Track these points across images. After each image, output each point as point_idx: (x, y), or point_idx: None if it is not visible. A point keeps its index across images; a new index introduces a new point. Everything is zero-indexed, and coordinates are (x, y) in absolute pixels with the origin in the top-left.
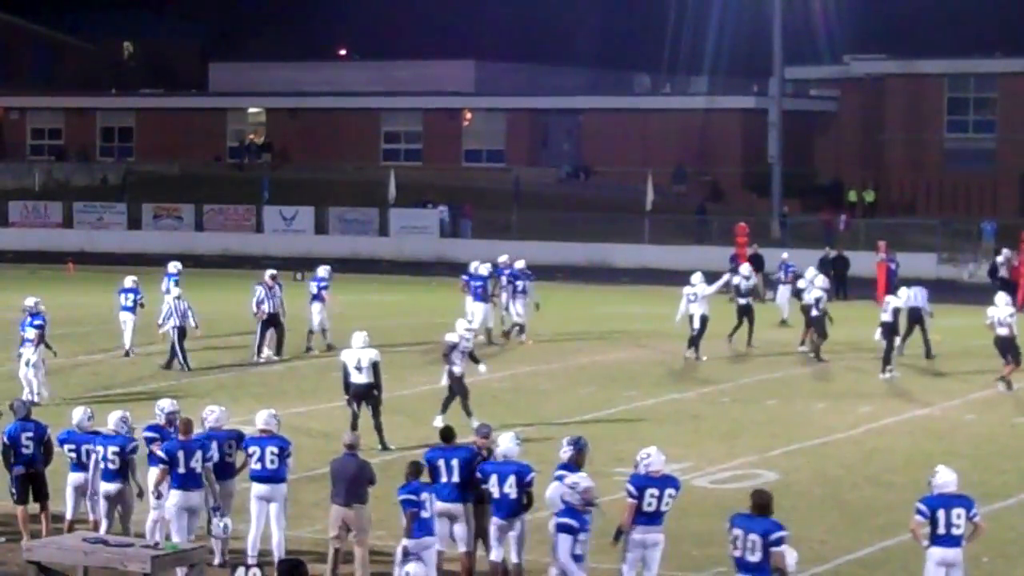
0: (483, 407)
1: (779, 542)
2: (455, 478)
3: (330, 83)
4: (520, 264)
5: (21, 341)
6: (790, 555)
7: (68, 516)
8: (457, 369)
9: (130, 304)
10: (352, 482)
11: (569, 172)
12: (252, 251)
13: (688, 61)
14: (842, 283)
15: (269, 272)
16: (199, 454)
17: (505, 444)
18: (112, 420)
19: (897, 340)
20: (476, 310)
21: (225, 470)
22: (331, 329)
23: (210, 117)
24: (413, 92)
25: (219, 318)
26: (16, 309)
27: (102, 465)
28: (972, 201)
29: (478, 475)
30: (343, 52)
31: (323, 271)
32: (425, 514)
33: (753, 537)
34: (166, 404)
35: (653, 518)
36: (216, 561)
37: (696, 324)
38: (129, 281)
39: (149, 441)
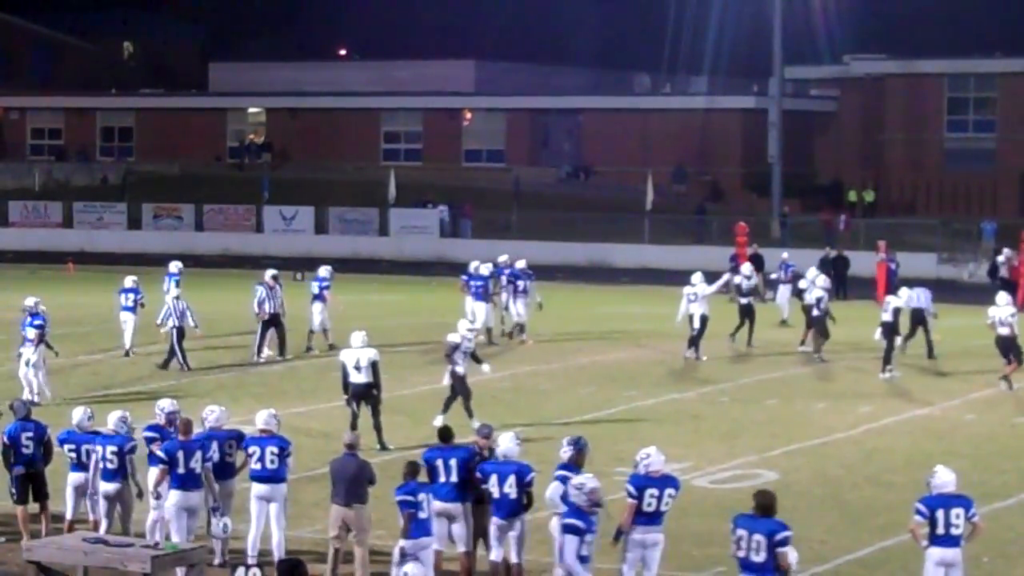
0: (483, 407)
1: (784, 542)
2: (453, 478)
3: (330, 83)
4: (521, 264)
5: (23, 341)
6: (792, 554)
7: (68, 516)
8: (460, 369)
9: (130, 304)
10: (352, 482)
11: (569, 172)
12: (252, 251)
13: (688, 61)
14: (842, 283)
15: (270, 272)
16: (199, 454)
17: (505, 444)
18: (112, 420)
19: (898, 340)
20: (478, 310)
21: (225, 470)
22: (332, 329)
23: (210, 117)
24: (413, 92)
25: (219, 318)
26: (16, 309)
27: (101, 465)
28: (972, 201)
29: (478, 475)
30: (343, 52)
31: (324, 271)
32: (422, 514)
33: (758, 537)
34: (166, 404)
35: (653, 518)
36: (216, 561)
37: (696, 324)
38: (129, 281)
39: (149, 441)
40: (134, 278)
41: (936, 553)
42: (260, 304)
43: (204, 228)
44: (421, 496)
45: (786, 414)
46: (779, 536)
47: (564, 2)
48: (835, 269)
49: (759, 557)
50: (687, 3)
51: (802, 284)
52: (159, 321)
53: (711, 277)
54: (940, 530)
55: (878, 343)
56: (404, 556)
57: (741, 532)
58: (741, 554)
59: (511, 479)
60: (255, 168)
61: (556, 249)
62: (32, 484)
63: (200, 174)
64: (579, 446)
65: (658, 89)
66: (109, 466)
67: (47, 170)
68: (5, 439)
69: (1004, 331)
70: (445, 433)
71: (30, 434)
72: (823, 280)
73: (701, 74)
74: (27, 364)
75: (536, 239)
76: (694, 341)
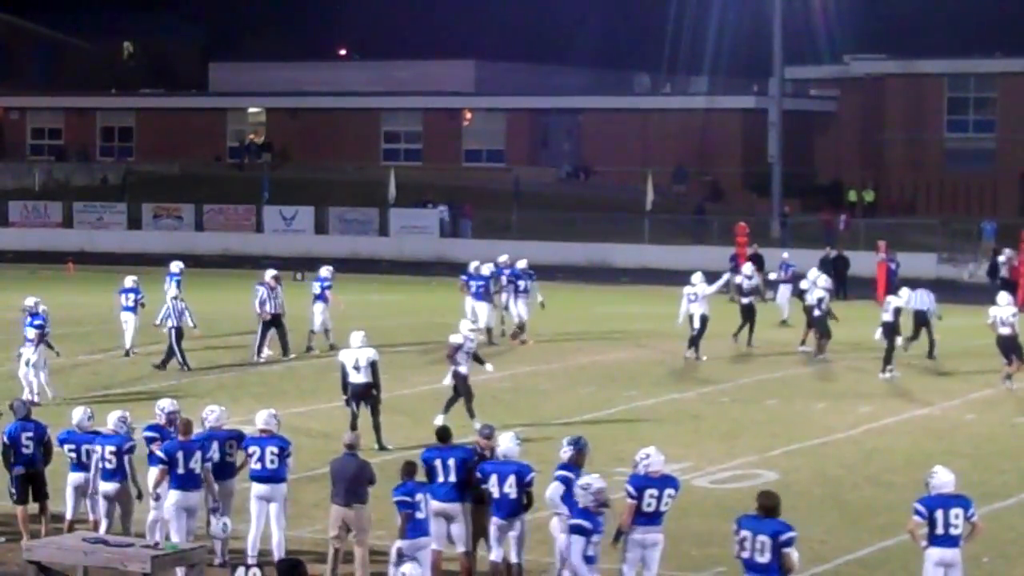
0: (483, 407)
1: (789, 543)
2: (452, 478)
3: (330, 83)
4: (522, 264)
5: (23, 341)
6: (794, 554)
7: (68, 516)
8: (463, 370)
9: (131, 304)
10: (352, 482)
11: (569, 172)
12: (252, 251)
13: (688, 61)
14: (842, 283)
15: (271, 272)
16: (199, 455)
17: (505, 444)
18: (111, 420)
19: (899, 340)
20: (479, 309)
21: (225, 470)
22: (333, 329)
23: (210, 117)
24: (413, 92)
25: (219, 318)
26: (16, 309)
27: (100, 465)
28: (972, 201)
29: (478, 475)
30: (343, 52)
31: (326, 271)
32: (420, 514)
33: (762, 538)
34: (166, 404)
35: (652, 518)
36: (216, 561)
37: (696, 324)
38: (129, 281)
39: (149, 441)
40: (134, 278)
41: (935, 553)
42: (261, 304)
43: (204, 228)
44: (418, 496)
45: (786, 414)
46: (784, 537)
47: (564, 2)
48: (835, 269)
49: (764, 558)
50: (687, 3)
51: (803, 285)
52: (157, 321)
53: (711, 277)
54: (939, 530)
55: (878, 343)
56: (402, 557)
57: (745, 533)
58: (745, 555)
59: (511, 479)
60: (255, 168)
61: (556, 249)
62: (32, 484)
63: (200, 174)
64: (579, 446)
65: (658, 89)
66: (108, 466)
67: (47, 170)
68: (5, 439)
69: (1005, 331)
70: (443, 433)
71: (30, 434)
72: (825, 280)
73: (701, 74)
74: (27, 364)
75: (536, 239)
76: (694, 341)
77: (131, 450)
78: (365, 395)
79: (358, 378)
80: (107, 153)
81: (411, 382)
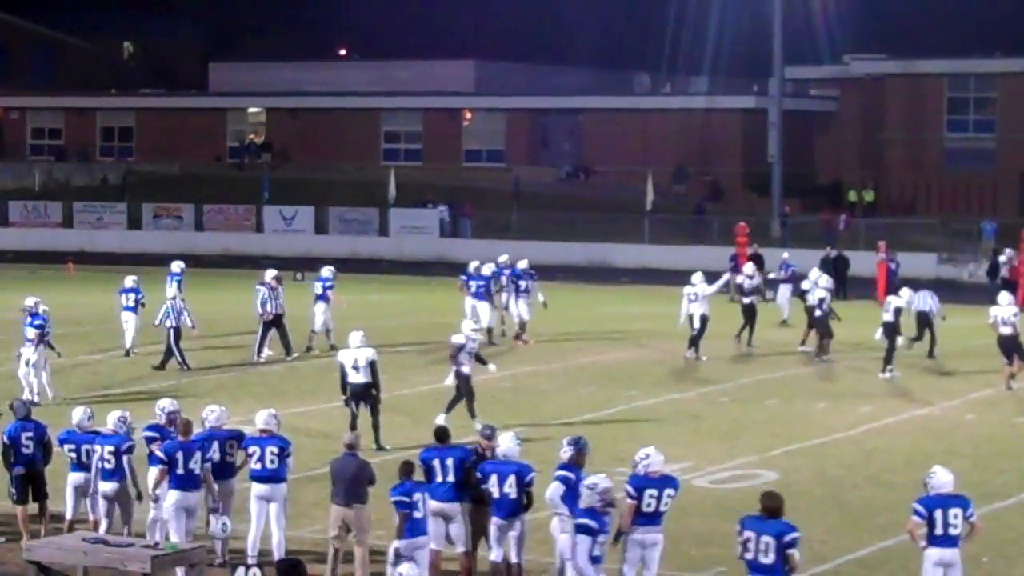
0: (483, 407)
1: (793, 543)
2: (450, 478)
3: (330, 83)
4: (523, 264)
5: (23, 341)
6: (796, 554)
7: (68, 516)
8: (465, 370)
9: (131, 304)
10: (352, 482)
11: (569, 172)
12: (252, 251)
13: (688, 61)
14: (842, 283)
15: (271, 273)
16: (198, 455)
17: (505, 444)
18: (111, 420)
19: (900, 340)
20: (480, 309)
21: (225, 470)
22: (334, 330)
23: (210, 117)
24: (413, 92)
25: (219, 318)
26: (16, 309)
27: (100, 465)
28: (972, 201)
29: (478, 475)
30: (343, 52)
31: (327, 271)
32: (417, 514)
33: (766, 539)
34: (166, 404)
35: (652, 518)
36: (216, 561)
37: (696, 324)
38: (129, 281)
39: (149, 441)
40: (134, 278)
41: (934, 553)
42: (263, 305)
43: (204, 228)
44: (416, 496)
45: (786, 414)
46: (788, 537)
47: (564, 2)
48: (835, 269)
49: (768, 559)
50: (687, 3)
51: (805, 285)
52: (157, 322)
53: (711, 277)
54: (938, 530)
55: (879, 343)
56: (399, 557)
57: (749, 534)
58: (749, 556)
59: (511, 479)
60: (255, 168)
61: (556, 249)
62: (32, 484)
63: (200, 174)
64: (579, 446)
65: (658, 89)
66: (107, 466)
67: (47, 170)
68: (5, 439)
69: (1007, 331)
70: (441, 433)
71: (30, 434)
72: (826, 281)
73: (701, 74)
74: (27, 364)
75: (536, 239)
76: (694, 341)
77: (130, 450)
78: (364, 395)
79: (357, 378)
80: (107, 153)
81: (411, 382)
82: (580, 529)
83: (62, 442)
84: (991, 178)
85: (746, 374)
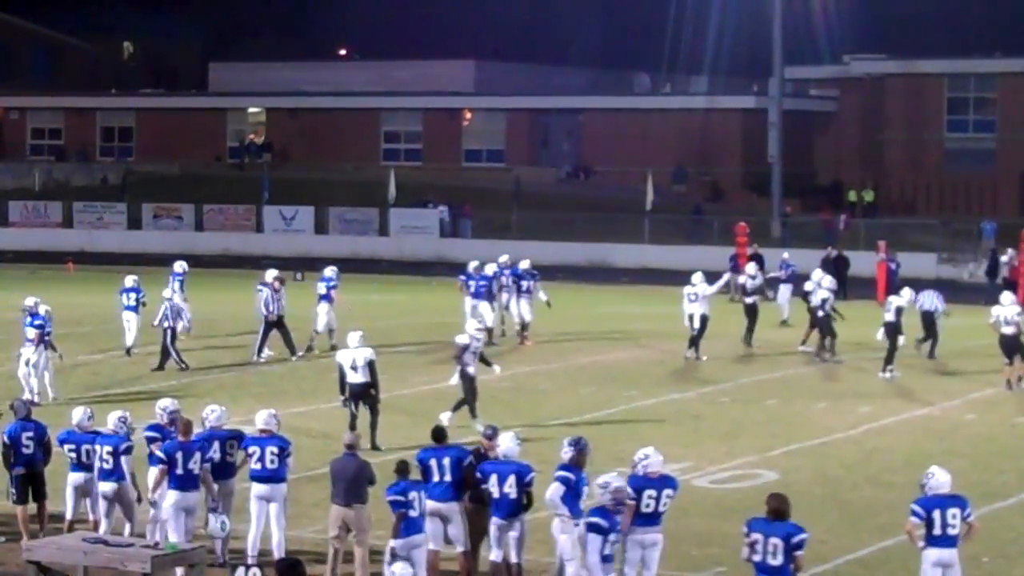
0: (483, 407)
1: (801, 545)
2: (447, 477)
3: (330, 83)
4: (525, 264)
5: (24, 341)
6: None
7: (68, 516)
8: (471, 370)
9: (132, 303)
10: (352, 482)
11: (569, 172)
12: (252, 251)
13: (688, 61)
14: (842, 283)
15: (273, 273)
16: (198, 455)
17: (505, 444)
18: (111, 420)
19: (901, 340)
20: (483, 309)
21: (225, 469)
22: (338, 330)
23: (210, 117)
24: (413, 92)
25: (219, 318)
26: (16, 309)
27: (99, 465)
28: (972, 201)
29: (478, 475)
30: (343, 52)
31: (330, 271)
32: (413, 513)
33: (775, 541)
34: (167, 403)
35: (651, 519)
36: (217, 561)
37: (696, 324)
38: (130, 280)
39: (150, 441)
40: (135, 278)
41: (933, 554)
42: (266, 306)
43: (204, 228)
44: (412, 495)
45: (786, 414)
46: (796, 539)
47: (564, 2)
48: (836, 269)
49: (776, 560)
50: (687, 3)
51: (808, 286)
52: (156, 322)
53: (711, 277)
54: (937, 531)
55: (880, 343)
56: (395, 556)
57: (756, 536)
58: (757, 558)
59: (511, 479)
60: (255, 168)
61: (556, 249)
62: (32, 484)
63: (200, 174)
64: (579, 446)
65: (658, 89)
66: (105, 466)
67: (47, 170)
68: (5, 439)
69: (1009, 330)
70: (439, 433)
71: (30, 434)
72: (829, 281)
73: (701, 74)
74: (27, 364)
75: (536, 239)
76: (694, 341)
77: (128, 451)
78: (364, 395)
79: (356, 378)
80: (107, 153)
81: (411, 382)
82: (591, 528)
83: (62, 442)
84: (991, 178)
85: (746, 374)
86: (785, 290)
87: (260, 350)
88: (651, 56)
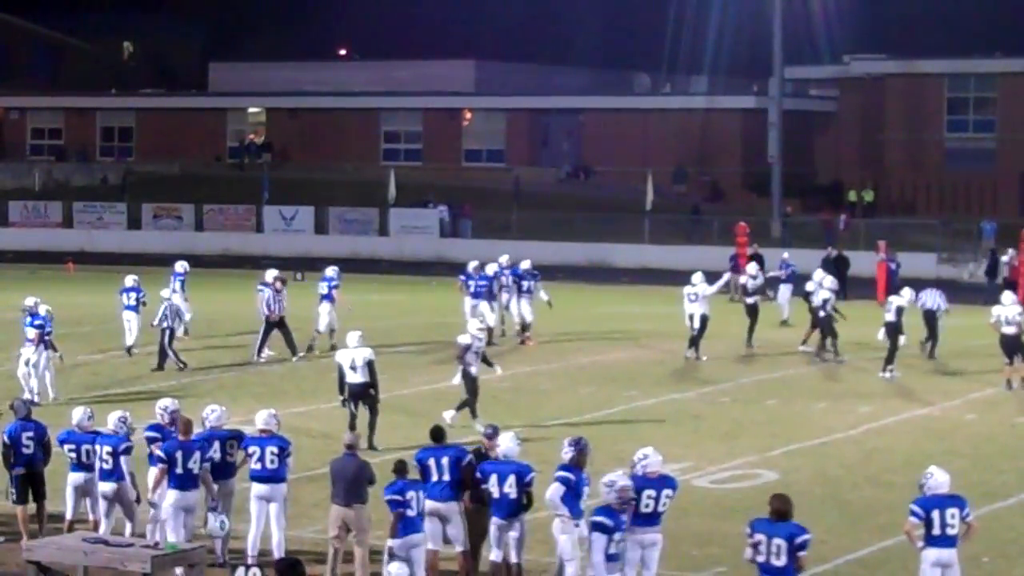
0: (483, 407)
1: (804, 545)
2: (446, 477)
3: (330, 83)
4: (526, 264)
5: (24, 341)
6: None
7: (68, 516)
8: (474, 370)
9: (133, 303)
10: (352, 482)
11: (569, 172)
12: (252, 251)
13: (688, 61)
14: (842, 283)
15: (274, 273)
16: (197, 455)
17: (505, 444)
18: (112, 420)
19: (902, 339)
20: (484, 309)
21: (225, 469)
22: (339, 330)
23: (210, 117)
24: (413, 92)
25: (219, 318)
26: (16, 309)
27: (99, 465)
28: (972, 201)
29: (478, 475)
30: (343, 52)
31: (332, 271)
32: (411, 513)
33: (778, 541)
34: (168, 403)
35: (651, 519)
36: (217, 560)
37: (696, 324)
38: (130, 280)
39: (150, 441)
40: (135, 277)
41: (932, 554)
42: (268, 306)
43: (204, 228)
44: (410, 494)
45: (786, 414)
46: (800, 539)
47: (564, 2)
48: (836, 269)
49: (780, 561)
50: (687, 3)
51: (809, 286)
52: (155, 322)
53: (711, 277)
54: (936, 531)
55: (881, 343)
56: (392, 556)
57: (760, 537)
58: (761, 559)
59: (511, 479)
60: (255, 168)
61: (556, 249)
62: (31, 484)
63: (200, 174)
64: (580, 447)
65: (658, 89)
66: (105, 466)
67: (47, 170)
68: (6, 439)
69: (1010, 330)
70: (437, 433)
71: (30, 434)
72: (830, 281)
73: (701, 74)
74: (27, 364)
75: (536, 239)
76: (694, 341)
77: (128, 451)
78: (363, 395)
79: (355, 378)
80: (107, 153)
81: (411, 382)
82: (595, 527)
83: (62, 442)
84: (991, 178)
85: (746, 374)
86: (785, 290)
87: (260, 350)
88: (651, 56)
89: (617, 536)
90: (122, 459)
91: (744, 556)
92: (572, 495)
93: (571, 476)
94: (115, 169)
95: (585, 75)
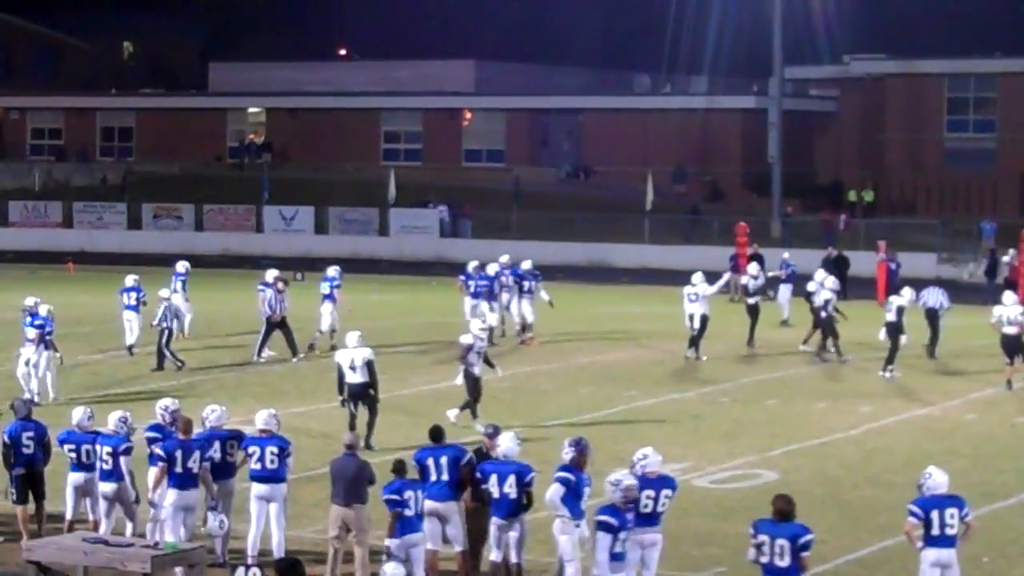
0: (483, 407)
1: (808, 546)
2: (445, 476)
3: (330, 83)
4: (527, 265)
5: (24, 341)
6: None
7: (68, 516)
8: (476, 370)
9: (133, 303)
10: (352, 482)
11: (569, 172)
12: (252, 251)
13: (688, 61)
14: (843, 283)
15: (275, 273)
16: (197, 454)
17: (505, 444)
18: (112, 420)
19: (903, 339)
20: (484, 309)
21: (225, 469)
22: (340, 330)
23: (210, 117)
24: (413, 92)
25: (219, 318)
26: (16, 309)
27: (99, 465)
28: (972, 201)
29: (478, 475)
30: (343, 52)
31: (333, 271)
32: (409, 512)
33: (781, 542)
34: (168, 403)
35: (650, 519)
36: (217, 560)
37: (696, 324)
38: (130, 280)
39: (151, 441)
40: (135, 277)
41: (931, 554)
42: (271, 307)
43: (204, 228)
44: (408, 494)
45: (786, 414)
46: (803, 540)
47: (564, 2)
48: (836, 269)
49: (783, 562)
50: (687, 3)
51: (810, 287)
52: (155, 322)
53: (711, 277)
54: (935, 531)
55: (882, 343)
56: (389, 556)
57: (763, 537)
58: (764, 560)
59: (511, 479)
60: (255, 168)
61: (556, 249)
62: (31, 484)
63: (200, 174)
64: (580, 447)
65: (658, 89)
66: (105, 467)
67: (47, 170)
68: (6, 439)
69: (1012, 330)
70: (436, 432)
71: (31, 434)
72: (832, 282)
73: (701, 74)
74: (26, 364)
75: (536, 239)
76: (694, 341)
77: (128, 451)
78: (363, 395)
79: (355, 378)
80: (107, 153)
81: (411, 382)
82: (600, 526)
83: (62, 442)
84: (991, 178)
85: (746, 374)
86: (785, 290)
87: (260, 350)
88: (651, 56)
89: (622, 535)
90: (121, 459)
91: (748, 557)
92: (572, 496)
93: (571, 477)
94: (115, 169)
95: (585, 75)
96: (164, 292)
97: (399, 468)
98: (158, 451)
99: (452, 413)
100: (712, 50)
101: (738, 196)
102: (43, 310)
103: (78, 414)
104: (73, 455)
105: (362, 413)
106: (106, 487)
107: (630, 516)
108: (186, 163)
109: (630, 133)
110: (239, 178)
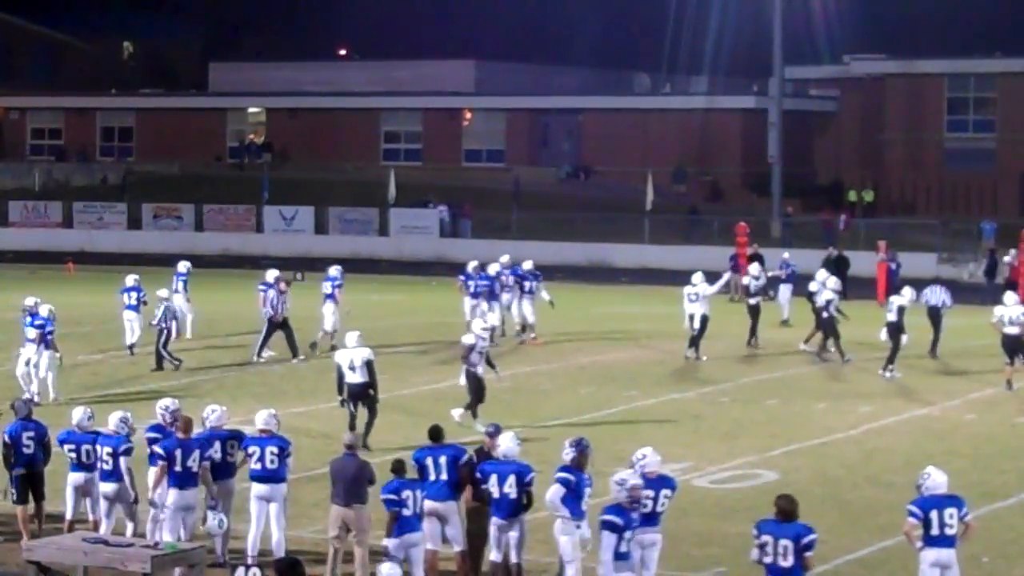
0: (483, 407)
1: (811, 546)
2: (444, 476)
3: (330, 83)
4: (528, 265)
5: (24, 341)
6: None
7: (68, 516)
8: (478, 371)
9: (134, 303)
10: (352, 482)
11: (569, 172)
12: (252, 251)
13: (688, 61)
14: (843, 283)
15: (275, 273)
16: (197, 454)
17: (505, 444)
18: (112, 420)
19: (904, 339)
20: (486, 308)
21: (225, 469)
22: (341, 331)
23: (210, 117)
24: (413, 92)
25: (219, 318)
26: (16, 309)
27: (99, 465)
28: (972, 201)
29: (478, 475)
30: (343, 52)
31: (335, 271)
32: (407, 512)
33: (785, 542)
34: (168, 403)
35: (650, 519)
36: (217, 561)
37: (696, 324)
38: (131, 280)
39: (151, 441)
40: (135, 277)
41: (931, 554)
42: (273, 307)
43: (204, 228)
44: (406, 494)
45: (786, 414)
46: (806, 540)
47: (564, 2)
48: (836, 269)
49: (787, 562)
50: (687, 3)
51: (812, 287)
52: (154, 322)
53: (711, 277)
54: (935, 531)
55: (884, 343)
56: (387, 556)
57: (766, 538)
58: (768, 560)
59: (511, 479)
60: (255, 168)
61: (556, 249)
62: (31, 484)
63: (200, 174)
64: (581, 447)
65: (658, 89)
66: (105, 467)
67: (47, 170)
68: (6, 439)
69: (1013, 330)
70: (435, 432)
71: (31, 434)
72: (834, 282)
73: (701, 74)
74: (26, 364)
75: (536, 239)
76: (694, 341)
77: (128, 452)
78: (362, 395)
79: (354, 378)
80: (107, 153)
81: (411, 382)
82: (605, 525)
83: (62, 442)
84: (991, 178)
85: (746, 374)
86: (785, 290)
87: (261, 350)
88: (651, 56)
89: (628, 535)
90: (121, 460)
91: (751, 557)
92: (572, 496)
93: (571, 477)
94: (115, 169)
95: (585, 75)
96: (163, 292)
97: (398, 468)
98: (158, 450)
99: (457, 412)
100: (712, 50)
101: (738, 196)
102: (44, 310)
103: (78, 414)
104: (73, 455)
105: (362, 413)
106: (106, 487)
107: (635, 516)
108: (186, 163)
109: (630, 133)
110: (239, 178)
